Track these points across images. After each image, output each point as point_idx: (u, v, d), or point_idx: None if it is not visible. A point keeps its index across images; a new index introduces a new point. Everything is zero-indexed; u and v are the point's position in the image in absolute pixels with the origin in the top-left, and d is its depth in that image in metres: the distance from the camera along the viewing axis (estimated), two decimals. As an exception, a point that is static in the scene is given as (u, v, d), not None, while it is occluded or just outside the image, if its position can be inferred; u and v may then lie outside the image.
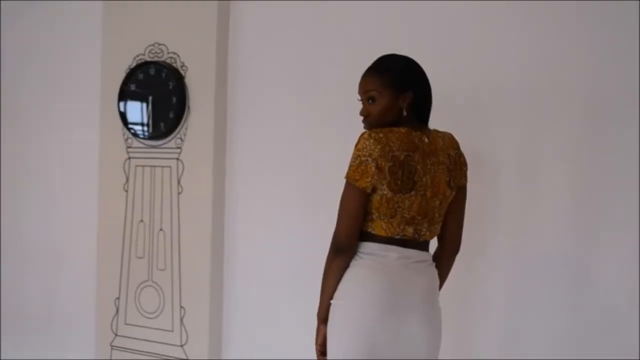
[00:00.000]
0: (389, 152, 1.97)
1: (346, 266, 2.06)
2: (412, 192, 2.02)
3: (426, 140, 2.05)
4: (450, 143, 2.12)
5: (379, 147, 1.97)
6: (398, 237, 2.04)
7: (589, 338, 2.60)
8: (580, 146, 2.62)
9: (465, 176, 2.16)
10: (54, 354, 3.86)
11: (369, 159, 1.97)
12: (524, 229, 2.72)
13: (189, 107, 3.31)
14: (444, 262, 2.20)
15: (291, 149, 3.15)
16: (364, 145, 1.98)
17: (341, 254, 2.05)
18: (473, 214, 2.72)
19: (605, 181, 2.58)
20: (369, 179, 1.98)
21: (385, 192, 1.99)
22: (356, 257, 2.06)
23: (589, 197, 2.61)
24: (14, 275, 4.04)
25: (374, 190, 2.00)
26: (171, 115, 3.31)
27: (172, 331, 3.36)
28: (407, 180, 2.00)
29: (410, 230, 2.05)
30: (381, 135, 1.98)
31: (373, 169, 1.97)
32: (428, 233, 2.10)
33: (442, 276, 2.21)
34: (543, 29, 2.66)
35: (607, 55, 2.56)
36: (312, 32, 3.12)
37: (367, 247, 2.06)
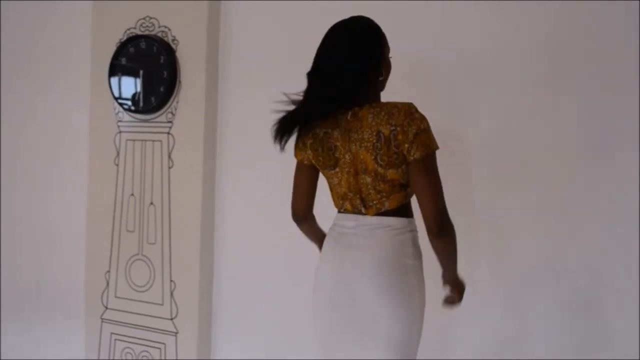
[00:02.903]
0: (310, 130, 2.09)
1: (309, 228, 2.30)
2: (337, 169, 2.07)
3: (349, 117, 2.03)
4: (385, 119, 1.97)
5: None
6: (342, 210, 2.13)
7: (588, 337, 2.62)
8: (578, 139, 2.62)
9: (411, 151, 1.95)
10: (45, 327, 3.87)
11: (298, 135, 2.13)
12: (516, 224, 2.73)
13: (180, 81, 3.31)
14: (433, 247, 2.06)
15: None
16: None
17: (295, 222, 2.28)
18: (463, 206, 2.75)
19: (604, 177, 2.58)
20: (302, 153, 2.15)
21: (319, 168, 2.15)
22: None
23: (586, 192, 2.61)
24: (3, 248, 4.04)
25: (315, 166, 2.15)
26: (162, 89, 3.30)
27: (162, 305, 3.38)
28: (327, 157, 2.07)
29: (348, 205, 2.10)
30: None
31: (300, 145, 2.14)
32: (372, 207, 2.06)
33: (440, 261, 2.10)
34: (541, 7, 2.64)
35: (606, 42, 2.56)
36: (307, 4, 3.10)
37: (335, 217, 2.18)
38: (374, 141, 1.98)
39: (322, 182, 2.22)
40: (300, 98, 2.06)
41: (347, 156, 2.04)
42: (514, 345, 2.74)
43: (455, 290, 2.16)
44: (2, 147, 4.05)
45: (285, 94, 2.07)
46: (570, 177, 2.63)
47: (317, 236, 2.32)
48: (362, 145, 2.00)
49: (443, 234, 1.99)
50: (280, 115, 2.08)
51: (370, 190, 2.04)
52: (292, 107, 2.07)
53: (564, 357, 2.62)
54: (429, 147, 1.96)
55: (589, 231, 2.61)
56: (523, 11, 2.66)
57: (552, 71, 2.64)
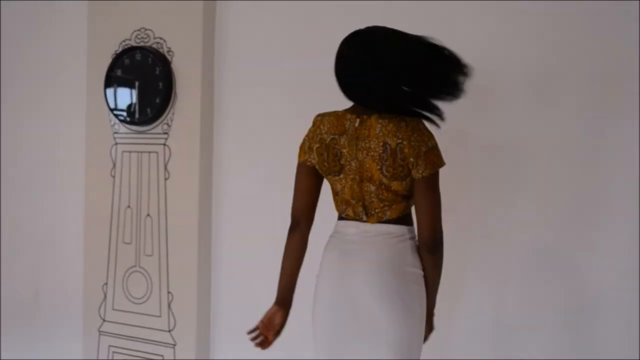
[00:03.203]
0: (318, 135, 2.09)
1: (301, 244, 2.18)
2: (341, 175, 2.07)
3: (357, 124, 2.02)
4: (393, 131, 1.97)
5: (312, 129, 2.12)
6: (344, 215, 2.13)
7: (587, 338, 2.61)
8: (578, 138, 2.62)
9: (418, 168, 1.97)
10: (42, 339, 3.86)
11: (305, 138, 2.14)
12: (515, 223, 2.72)
13: (175, 92, 3.30)
14: (423, 261, 2.07)
15: (279, 133, 3.15)
16: (310, 127, 2.13)
17: (293, 230, 2.19)
18: (463, 205, 2.75)
19: (604, 176, 2.58)
20: (307, 156, 2.12)
21: (322, 173, 2.13)
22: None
23: (585, 192, 2.61)
24: (2, 261, 4.03)
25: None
26: (158, 100, 3.30)
27: (160, 316, 3.37)
28: (333, 162, 2.07)
29: (350, 211, 2.11)
30: (319, 118, 2.11)
31: (306, 148, 2.13)
32: (373, 216, 2.06)
33: (425, 277, 2.08)
34: (543, 14, 2.64)
35: (606, 42, 2.55)
36: (301, 15, 3.10)
37: (335, 225, 2.17)
38: (381, 152, 1.99)
39: (324, 193, 2.22)
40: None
41: (353, 163, 2.04)
42: (513, 345, 2.73)
43: (426, 329, 2.13)
44: (-2, 159, 4.06)
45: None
46: (570, 177, 2.63)
47: (292, 272, 2.21)
48: (369, 154, 2.01)
49: (435, 250, 2.05)
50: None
51: (374, 199, 2.05)
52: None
53: (564, 357, 2.62)
54: (437, 164, 2.01)
55: (589, 231, 2.61)
56: (522, 12, 2.67)
57: (552, 72, 2.64)
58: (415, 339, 2.04)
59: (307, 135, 2.13)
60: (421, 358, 2.11)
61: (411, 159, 1.97)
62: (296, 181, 2.19)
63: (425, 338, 2.15)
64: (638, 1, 2.48)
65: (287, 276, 2.22)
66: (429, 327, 2.17)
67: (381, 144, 1.99)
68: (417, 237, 2.08)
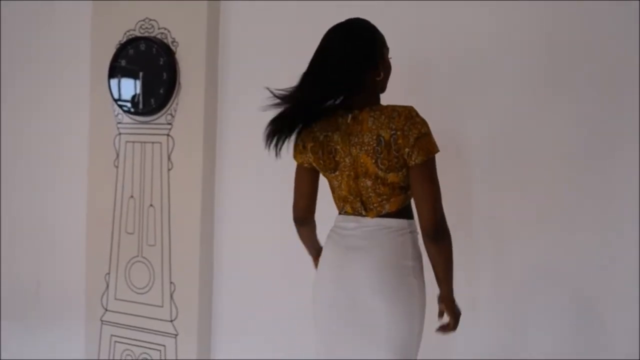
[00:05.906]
0: (311, 133, 2.09)
1: (308, 232, 2.31)
2: (337, 172, 2.08)
3: (349, 120, 2.04)
4: (385, 123, 1.97)
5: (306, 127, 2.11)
6: (343, 212, 2.14)
7: (587, 338, 2.61)
8: (578, 138, 2.61)
9: (412, 156, 1.96)
10: (45, 328, 3.87)
11: (299, 137, 2.12)
12: (516, 223, 2.73)
13: (179, 83, 3.31)
14: (428, 252, 2.06)
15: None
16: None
17: (297, 224, 2.28)
18: (462, 204, 2.74)
19: (604, 176, 2.57)
20: (303, 157, 2.14)
21: (320, 170, 2.16)
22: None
23: (586, 192, 2.60)
24: (4, 250, 4.04)
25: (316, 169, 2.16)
26: (162, 91, 3.30)
27: (162, 307, 3.38)
28: (328, 160, 2.07)
29: (349, 207, 2.11)
30: None
31: (301, 147, 2.12)
32: (372, 210, 2.07)
33: (433, 266, 2.07)
34: (543, 13, 2.64)
35: (606, 42, 2.55)
36: (306, 6, 3.10)
37: (335, 219, 2.18)
38: (375, 145, 1.99)
39: (323, 187, 2.23)
40: (287, 93, 2.04)
41: (347, 159, 2.04)
42: (513, 346, 2.73)
43: (451, 316, 2.12)
44: (2, 149, 4.06)
45: (270, 90, 2.04)
46: (570, 179, 2.62)
47: (314, 246, 2.35)
48: (363, 148, 2.01)
49: (439, 237, 2.01)
50: (271, 118, 2.06)
51: (371, 194, 2.05)
52: (280, 108, 2.05)
53: (565, 357, 2.62)
54: (430, 151, 1.98)
55: (588, 232, 2.60)
56: (522, 11, 2.66)
57: (551, 72, 2.64)
58: (413, 334, 2.05)
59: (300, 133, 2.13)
60: (421, 358, 2.11)
61: (406, 149, 1.96)
62: (296, 183, 2.23)
63: (456, 322, 2.13)
64: (638, 1, 2.48)
65: (313, 248, 2.36)
66: (454, 314, 2.12)
67: (375, 137, 1.99)
68: (418, 228, 2.07)
